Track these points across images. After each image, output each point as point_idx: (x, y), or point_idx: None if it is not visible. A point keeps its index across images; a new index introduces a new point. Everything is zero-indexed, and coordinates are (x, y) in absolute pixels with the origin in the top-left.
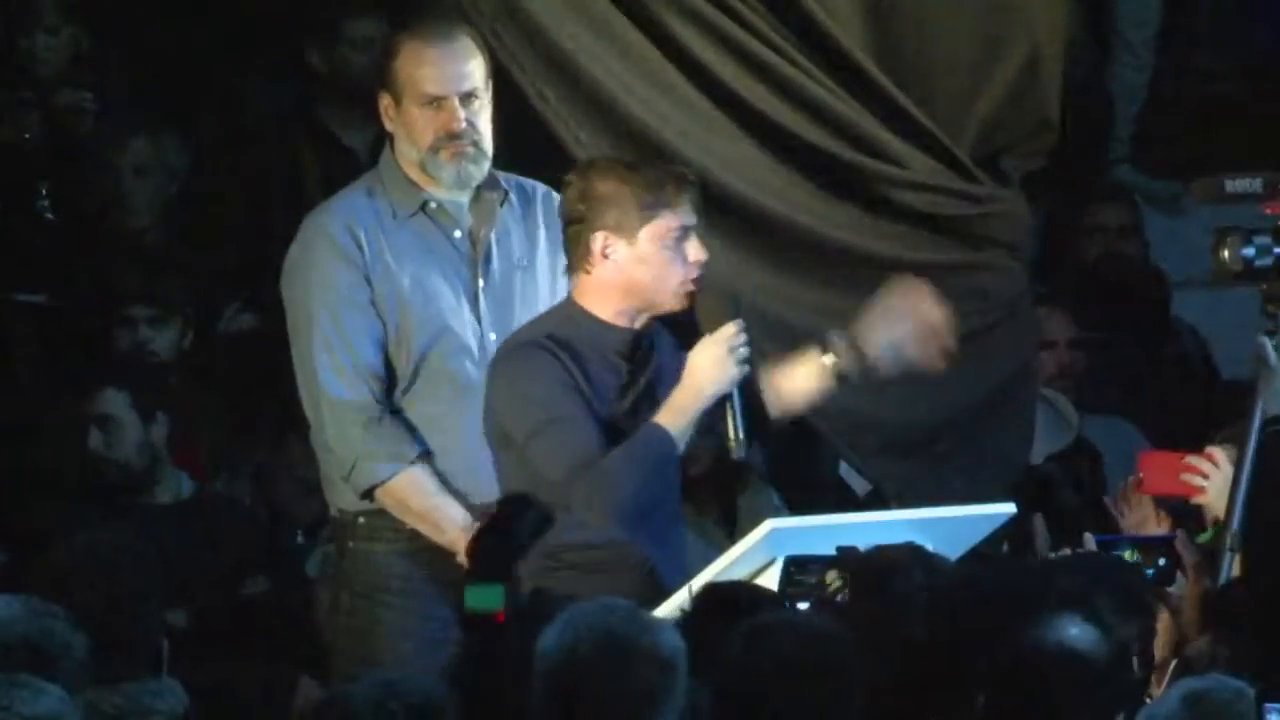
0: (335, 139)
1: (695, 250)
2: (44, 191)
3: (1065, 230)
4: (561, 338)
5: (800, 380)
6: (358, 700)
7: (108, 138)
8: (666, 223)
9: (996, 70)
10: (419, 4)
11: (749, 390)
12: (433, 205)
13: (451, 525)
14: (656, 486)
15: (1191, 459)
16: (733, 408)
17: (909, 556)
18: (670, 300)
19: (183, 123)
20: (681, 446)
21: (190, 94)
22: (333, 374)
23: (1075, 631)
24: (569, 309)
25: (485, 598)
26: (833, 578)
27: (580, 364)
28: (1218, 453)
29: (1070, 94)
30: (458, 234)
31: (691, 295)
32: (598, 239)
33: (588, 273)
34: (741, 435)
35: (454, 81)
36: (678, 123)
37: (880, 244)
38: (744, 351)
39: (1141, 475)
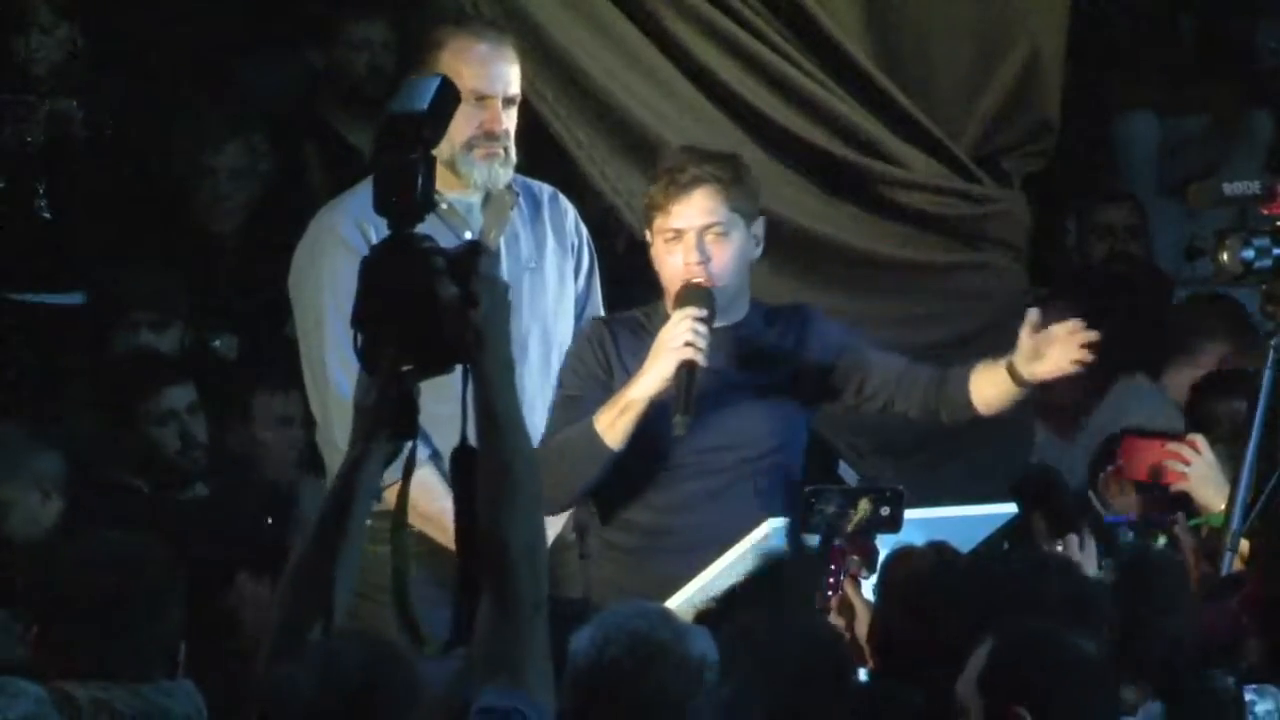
0: (340, 138)
1: (684, 252)
2: (42, 191)
3: (1064, 230)
4: (625, 318)
5: (993, 387)
6: (306, 670)
7: (200, 140)
8: (659, 224)
9: (996, 71)
10: (420, 5)
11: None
12: (444, 206)
13: None
14: (577, 478)
15: (1173, 446)
16: (682, 388)
17: (935, 559)
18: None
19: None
20: (614, 439)
21: (190, 93)
22: (342, 373)
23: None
24: (663, 301)
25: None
26: (864, 506)
27: (631, 346)
28: (1199, 440)
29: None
30: (468, 235)
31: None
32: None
33: None
34: (681, 415)
35: (501, 82)
36: (677, 123)
37: (880, 244)
38: (685, 339)
39: (1122, 462)
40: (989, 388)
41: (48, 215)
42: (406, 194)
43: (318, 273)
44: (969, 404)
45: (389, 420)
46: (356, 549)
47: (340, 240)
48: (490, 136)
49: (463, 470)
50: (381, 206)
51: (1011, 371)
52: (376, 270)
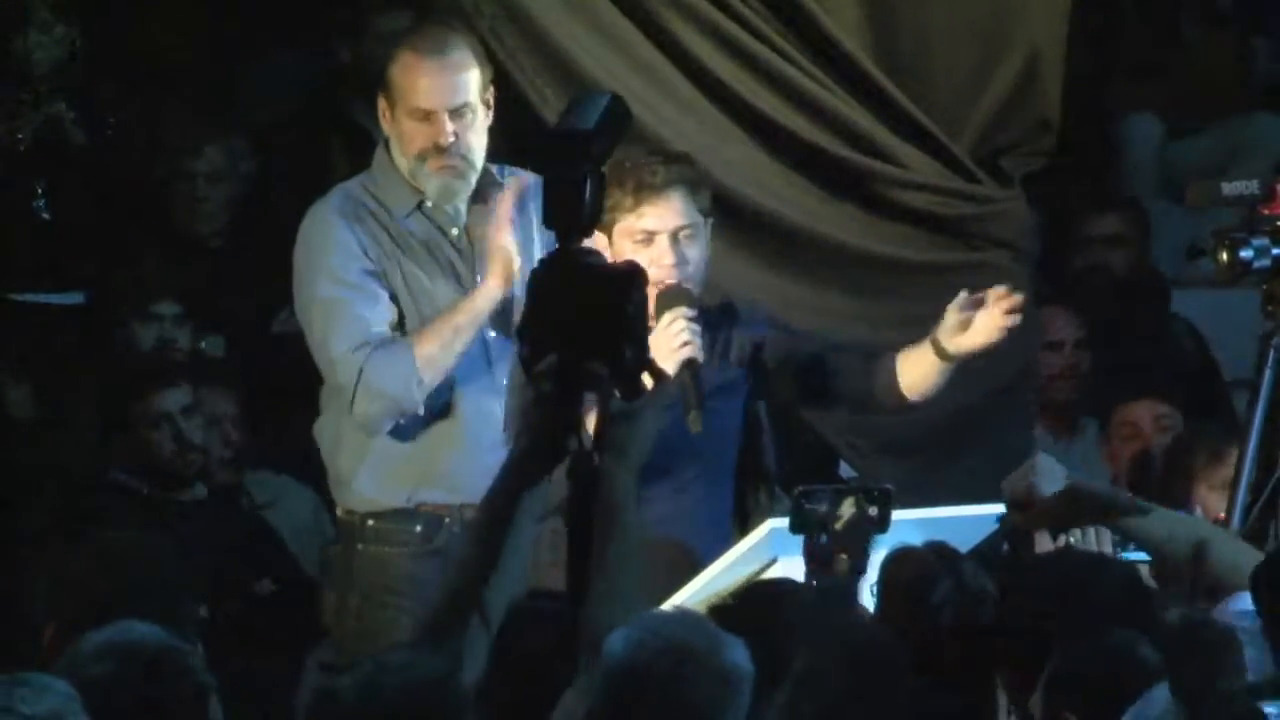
0: (365, 134)
1: (657, 255)
2: (41, 191)
3: (1061, 235)
4: None
5: (917, 367)
6: (349, 686)
7: (178, 143)
8: (627, 225)
9: (996, 71)
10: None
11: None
12: (428, 204)
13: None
14: None
15: None
16: (685, 385)
17: (935, 560)
18: None
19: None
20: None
21: (179, 94)
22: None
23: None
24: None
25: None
26: (852, 505)
27: None
28: None
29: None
30: (455, 231)
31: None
32: (599, 238)
33: None
34: (695, 411)
35: (444, 96)
36: (678, 124)
37: (880, 244)
38: (683, 337)
39: None
40: (914, 370)
41: (47, 215)
42: (575, 210)
43: (316, 253)
44: (896, 390)
45: (549, 421)
46: (521, 545)
47: (338, 222)
48: (439, 150)
49: (581, 482)
50: (549, 220)
51: (937, 348)
52: (544, 283)
